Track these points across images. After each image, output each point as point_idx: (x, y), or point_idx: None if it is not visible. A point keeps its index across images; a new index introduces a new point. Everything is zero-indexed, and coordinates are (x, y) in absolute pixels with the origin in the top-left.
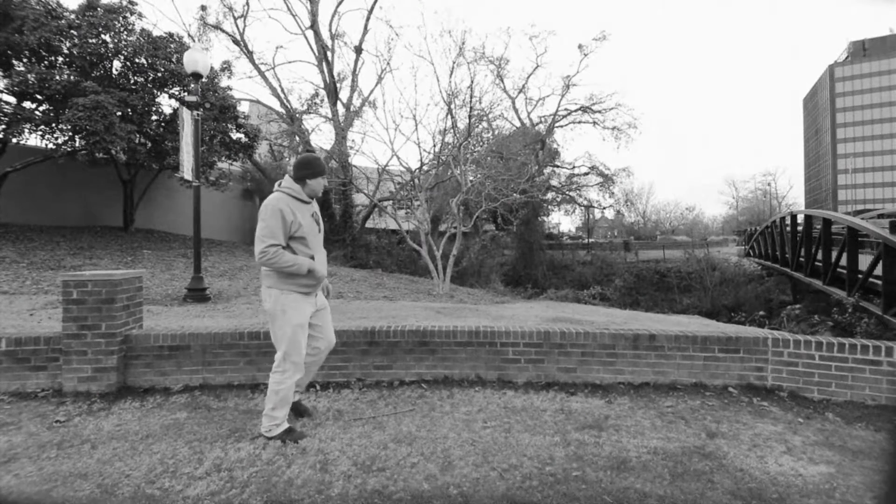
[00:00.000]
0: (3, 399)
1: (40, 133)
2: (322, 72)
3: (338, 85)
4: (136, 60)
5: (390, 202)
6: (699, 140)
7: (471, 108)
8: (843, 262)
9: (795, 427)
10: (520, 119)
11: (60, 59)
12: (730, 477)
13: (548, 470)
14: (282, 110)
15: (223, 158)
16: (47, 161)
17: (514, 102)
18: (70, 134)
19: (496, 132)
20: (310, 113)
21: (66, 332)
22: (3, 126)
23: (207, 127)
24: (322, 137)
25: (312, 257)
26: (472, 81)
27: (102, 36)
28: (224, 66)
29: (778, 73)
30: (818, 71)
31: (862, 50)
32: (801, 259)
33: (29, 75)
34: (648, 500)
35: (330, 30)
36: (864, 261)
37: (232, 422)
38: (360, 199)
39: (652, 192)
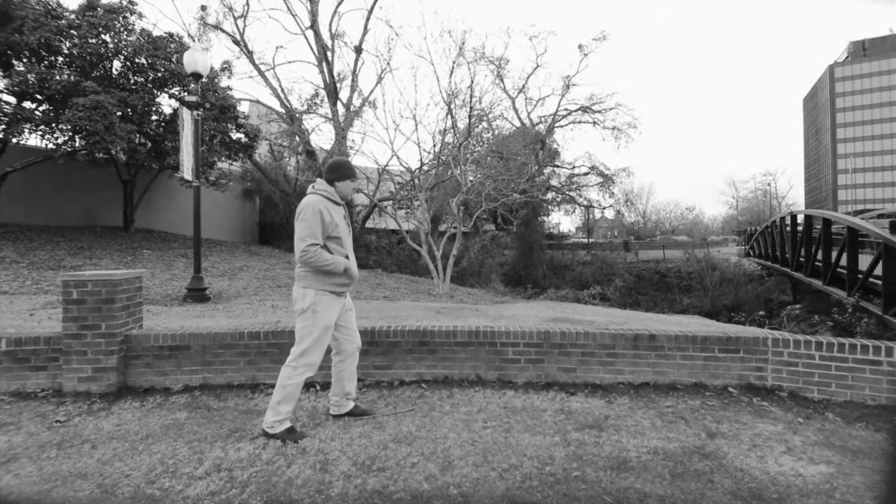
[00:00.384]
0: (3, 399)
1: (40, 133)
2: (322, 72)
3: (338, 85)
4: (136, 60)
5: (390, 202)
6: (699, 140)
7: (471, 108)
8: (843, 262)
9: (795, 427)
10: (520, 119)
11: (60, 59)
12: (730, 477)
13: (548, 470)
14: (282, 110)
15: (223, 158)
16: (47, 161)
17: (514, 102)
18: (70, 134)
19: (496, 132)
20: (310, 113)
21: (66, 332)
22: (3, 126)
23: (207, 127)
24: (322, 137)
25: (346, 257)
26: (472, 81)
27: (102, 36)
28: (224, 66)
29: (778, 73)
30: (818, 71)
31: (862, 50)
32: (801, 259)
33: (29, 75)
34: (648, 500)
35: (330, 30)
36: (864, 261)
37: (232, 422)
38: (360, 199)
39: (652, 192)
